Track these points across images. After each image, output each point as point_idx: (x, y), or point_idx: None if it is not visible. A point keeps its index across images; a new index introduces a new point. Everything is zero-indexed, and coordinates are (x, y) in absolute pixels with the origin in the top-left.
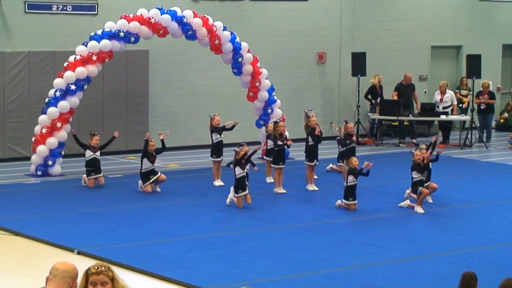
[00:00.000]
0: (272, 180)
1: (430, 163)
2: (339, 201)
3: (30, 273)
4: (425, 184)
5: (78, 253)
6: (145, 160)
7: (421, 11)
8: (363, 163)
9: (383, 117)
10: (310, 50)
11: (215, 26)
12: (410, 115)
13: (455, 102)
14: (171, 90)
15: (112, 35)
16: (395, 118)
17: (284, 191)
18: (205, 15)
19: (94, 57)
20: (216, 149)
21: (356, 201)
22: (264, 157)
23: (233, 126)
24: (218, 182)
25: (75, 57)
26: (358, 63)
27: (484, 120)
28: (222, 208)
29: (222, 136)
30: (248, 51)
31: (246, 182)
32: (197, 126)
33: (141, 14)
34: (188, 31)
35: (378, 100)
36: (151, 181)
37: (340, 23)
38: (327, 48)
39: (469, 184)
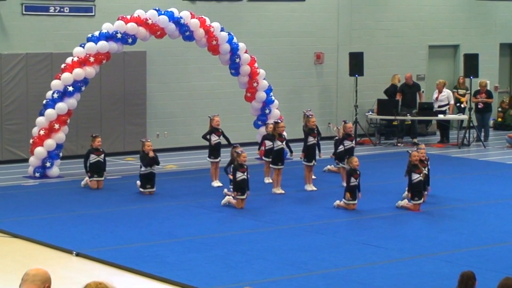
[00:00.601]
0: (271, 181)
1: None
2: (337, 201)
3: None
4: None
5: (77, 254)
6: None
7: (418, 11)
8: (364, 163)
9: (381, 117)
10: (308, 50)
11: (213, 27)
12: (408, 114)
13: (452, 102)
14: (169, 91)
15: (109, 37)
16: (393, 117)
17: (283, 192)
18: (202, 16)
19: (92, 59)
20: (214, 150)
21: (356, 201)
22: (263, 157)
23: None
24: (216, 183)
25: (73, 59)
26: (356, 63)
27: (482, 119)
28: (221, 209)
29: (220, 137)
30: (246, 52)
31: (247, 188)
32: (195, 127)
33: (138, 15)
34: (185, 32)
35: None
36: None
37: (338, 23)
38: (324, 48)
39: (467, 183)
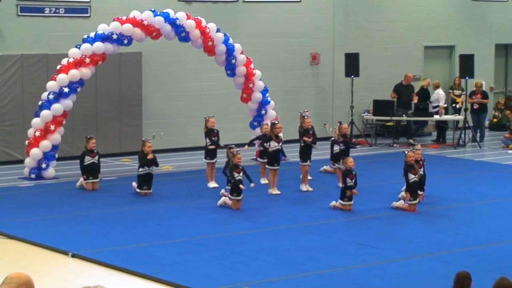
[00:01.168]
0: (267, 181)
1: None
2: (333, 202)
3: None
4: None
5: (73, 256)
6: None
7: (414, 12)
8: (359, 164)
9: (377, 118)
10: (304, 51)
11: (208, 28)
12: (404, 115)
13: (441, 103)
14: (165, 92)
15: (105, 38)
16: (388, 118)
17: (279, 192)
18: (198, 17)
19: (87, 60)
20: (210, 151)
21: (352, 202)
22: (258, 158)
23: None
24: (212, 184)
25: (68, 60)
26: (352, 63)
27: (478, 120)
28: (217, 209)
29: (216, 138)
30: (242, 53)
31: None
32: (191, 128)
33: (134, 16)
34: (181, 33)
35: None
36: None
37: (333, 24)
38: (320, 49)
39: (463, 184)
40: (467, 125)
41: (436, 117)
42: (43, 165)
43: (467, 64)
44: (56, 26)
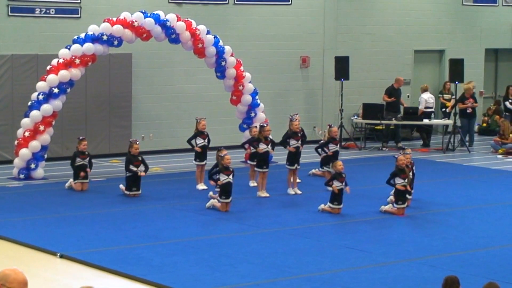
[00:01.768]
0: (256, 184)
1: (414, 168)
2: (322, 205)
3: None
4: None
5: (61, 256)
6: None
7: (404, 16)
8: (348, 167)
9: (366, 121)
10: (294, 54)
11: (199, 30)
12: (393, 119)
13: (420, 107)
14: (155, 94)
15: (95, 39)
16: (378, 122)
17: (268, 195)
18: (188, 19)
19: (77, 61)
20: (200, 153)
21: (341, 206)
22: (248, 161)
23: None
24: (201, 186)
25: (58, 61)
26: (342, 67)
27: (468, 124)
28: (205, 212)
29: (206, 140)
30: (232, 55)
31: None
32: (181, 130)
33: (124, 18)
34: (171, 35)
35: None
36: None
37: (324, 27)
38: (310, 52)
39: (451, 188)
40: (458, 129)
41: (426, 121)
42: (32, 166)
43: (457, 69)
44: (46, 27)
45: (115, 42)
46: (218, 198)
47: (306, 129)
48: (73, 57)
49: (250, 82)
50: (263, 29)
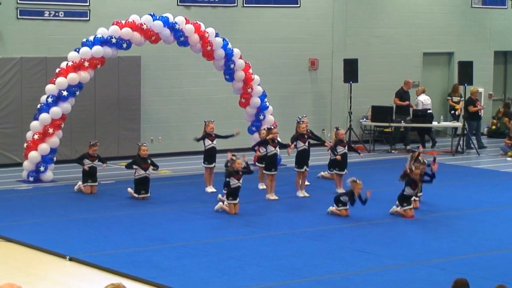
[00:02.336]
0: (264, 187)
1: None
2: (331, 208)
3: (21, 280)
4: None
5: (70, 259)
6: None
7: (413, 18)
8: (357, 170)
9: (375, 124)
10: (302, 57)
11: (207, 33)
12: (402, 121)
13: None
14: (163, 96)
15: (104, 41)
16: (387, 124)
17: (277, 198)
18: (197, 22)
19: (86, 63)
20: (209, 155)
21: (347, 207)
22: (256, 163)
23: (229, 136)
24: (210, 189)
25: (67, 63)
26: (350, 69)
27: (477, 127)
28: (214, 214)
29: (214, 142)
30: (240, 58)
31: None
32: (189, 132)
33: (133, 20)
34: (180, 38)
35: None
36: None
37: (332, 30)
38: (319, 55)
39: (461, 191)
40: (465, 131)
41: (435, 124)
42: (41, 168)
43: (466, 71)
44: (55, 30)
45: (124, 45)
46: (225, 199)
47: (315, 131)
48: (82, 60)
49: (258, 85)
50: (272, 32)
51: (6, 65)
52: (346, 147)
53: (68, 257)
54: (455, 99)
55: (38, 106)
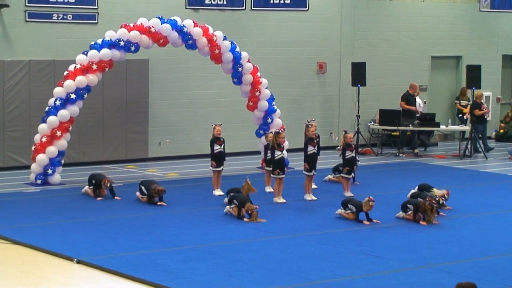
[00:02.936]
0: (272, 190)
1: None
2: (339, 210)
3: (29, 282)
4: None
5: (78, 262)
6: None
7: (421, 22)
8: (364, 174)
9: (383, 127)
10: (310, 60)
11: (215, 36)
12: (410, 125)
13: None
14: (171, 99)
15: (112, 44)
16: (395, 128)
17: (284, 201)
18: (205, 25)
19: (94, 66)
20: (217, 159)
21: (354, 210)
22: (265, 167)
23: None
24: (217, 192)
25: (75, 66)
26: (358, 73)
27: (483, 130)
28: (222, 217)
29: (222, 146)
30: (248, 61)
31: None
32: (197, 136)
33: (141, 23)
34: (188, 41)
35: None
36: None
37: (340, 33)
38: (327, 58)
39: (468, 195)
40: (472, 135)
41: (443, 127)
42: (49, 171)
43: (474, 75)
44: (63, 32)
45: (132, 48)
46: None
47: (323, 135)
48: (90, 63)
49: (266, 88)
50: (280, 35)
51: (15, 68)
52: (354, 152)
53: (75, 259)
54: (463, 102)
55: (46, 109)
